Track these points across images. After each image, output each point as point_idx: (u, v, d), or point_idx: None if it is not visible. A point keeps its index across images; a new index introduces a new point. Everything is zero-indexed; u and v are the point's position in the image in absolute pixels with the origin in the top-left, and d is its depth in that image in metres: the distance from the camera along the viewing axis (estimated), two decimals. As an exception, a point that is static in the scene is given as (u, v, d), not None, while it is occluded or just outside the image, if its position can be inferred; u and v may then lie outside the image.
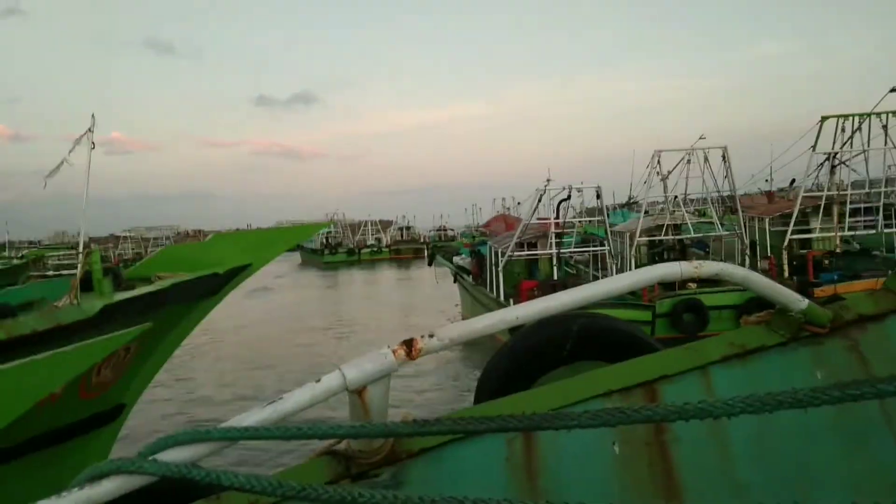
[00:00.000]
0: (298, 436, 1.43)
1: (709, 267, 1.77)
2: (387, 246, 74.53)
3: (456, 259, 30.79)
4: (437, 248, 43.17)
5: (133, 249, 67.73)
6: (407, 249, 72.42)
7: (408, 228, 79.80)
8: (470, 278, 26.91)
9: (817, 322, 1.79)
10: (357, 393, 1.55)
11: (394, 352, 1.57)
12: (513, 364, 2.48)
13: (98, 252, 9.03)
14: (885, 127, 21.69)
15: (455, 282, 30.05)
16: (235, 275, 9.43)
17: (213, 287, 9.23)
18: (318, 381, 1.54)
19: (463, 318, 28.24)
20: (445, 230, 78.05)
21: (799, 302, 1.76)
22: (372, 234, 77.77)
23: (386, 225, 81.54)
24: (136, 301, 7.77)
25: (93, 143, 8.63)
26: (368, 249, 73.19)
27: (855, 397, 1.02)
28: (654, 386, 1.77)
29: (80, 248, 9.24)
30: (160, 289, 8.16)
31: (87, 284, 8.15)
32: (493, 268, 22.51)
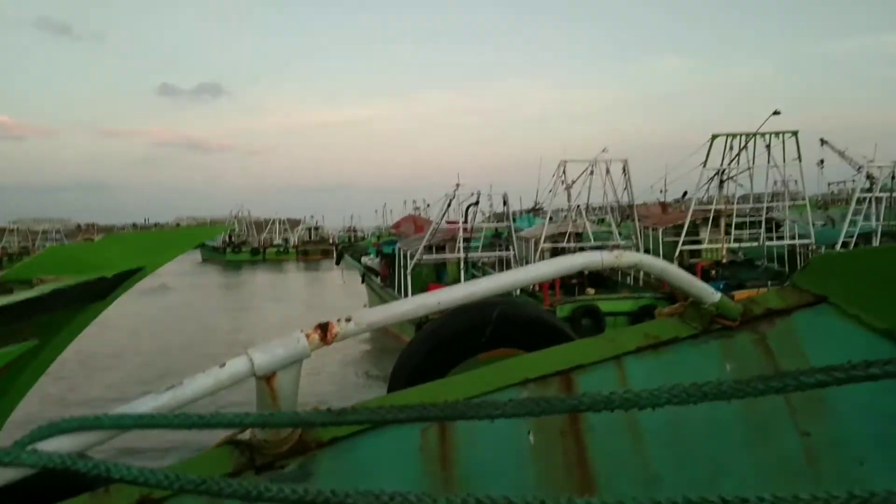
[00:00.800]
0: (199, 424, 1.32)
1: (629, 257, 1.80)
2: (294, 246, 72.96)
3: (364, 259, 30.73)
4: (346, 247, 42.89)
5: (20, 243, 63.29)
6: (315, 250, 71.13)
7: (316, 228, 78.52)
8: (378, 279, 26.96)
9: (728, 315, 1.83)
10: (265, 379, 1.46)
11: (307, 336, 1.49)
12: (429, 351, 2.43)
13: None
14: (768, 146, 23.54)
15: (363, 282, 29.98)
16: (126, 279, 9.22)
17: (99, 292, 8.91)
18: (223, 365, 1.45)
19: (370, 320, 28.41)
20: (355, 231, 77.42)
21: (712, 295, 1.81)
22: (279, 234, 75.96)
23: (294, 224, 79.79)
24: (12, 309, 7.36)
25: None
26: (274, 249, 71.36)
27: (763, 391, 1.05)
28: (570, 375, 1.78)
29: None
30: (40, 295, 7.80)
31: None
32: (402, 270, 22.69)
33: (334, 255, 45.79)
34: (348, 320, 1.55)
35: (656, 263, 1.81)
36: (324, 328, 1.51)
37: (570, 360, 1.79)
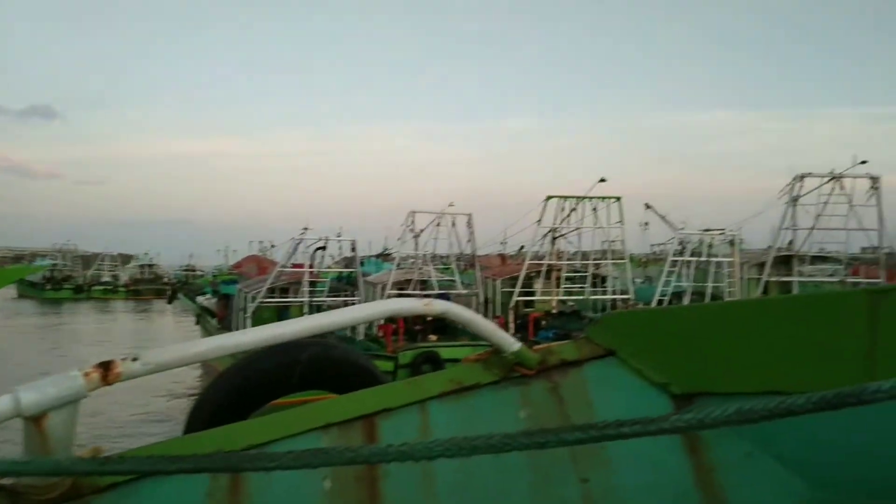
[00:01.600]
0: None
1: (437, 305, 1.83)
2: (125, 284, 67.83)
3: (200, 299, 29.37)
4: (181, 286, 40.68)
5: None
6: (148, 289, 66.30)
7: (150, 265, 73.53)
8: (215, 321, 25.90)
9: (526, 364, 1.91)
10: (34, 420, 1.32)
11: (85, 375, 1.36)
12: (232, 391, 2.32)
13: None
14: (594, 210, 25.87)
15: (197, 323, 28.61)
16: None
17: None
18: None
19: (203, 364, 27.07)
20: (194, 270, 73.09)
21: (512, 344, 1.89)
22: (108, 270, 70.25)
23: (126, 259, 74.35)
24: None
25: None
26: (101, 287, 65.85)
27: (541, 444, 1.08)
28: (374, 419, 1.78)
29: None
30: None
31: None
32: (242, 312, 22.04)
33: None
34: (135, 359, 1.42)
35: (463, 313, 1.86)
36: (106, 367, 1.39)
37: (375, 405, 1.80)
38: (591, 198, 25.71)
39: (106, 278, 68.58)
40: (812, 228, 24.94)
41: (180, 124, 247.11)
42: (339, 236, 23.51)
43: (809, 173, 24.87)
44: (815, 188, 24.76)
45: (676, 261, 25.29)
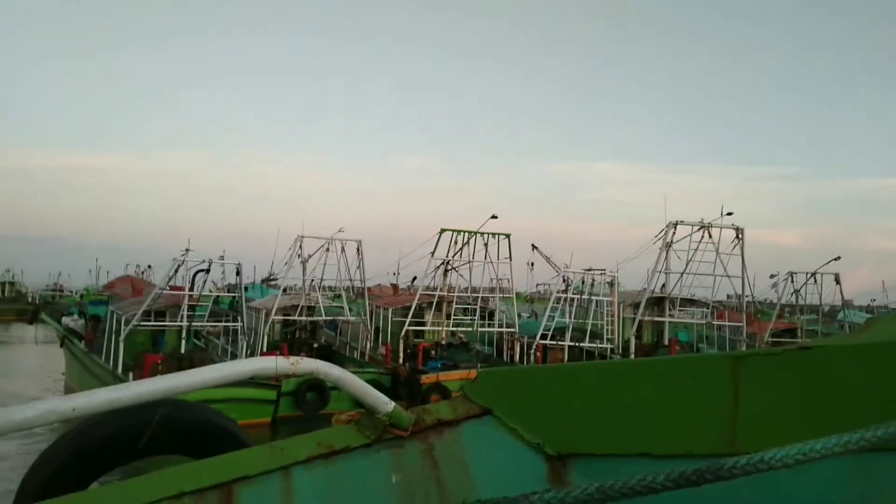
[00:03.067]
0: None
1: (305, 364, 1.69)
2: (-20, 304, 61.97)
3: (66, 320, 27.34)
4: (43, 305, 37.71)
5: None
6: (7, 309, 60.87)
7: (11, 284, 67.63)
8: (82, 343, 24.19)
9: (400, 425, 1.82)
10: None
11: None
12: (71, 457, 2.08)
13: None
14: (486, 244, 26.52)
15: (62, 345, 26.59)
16: None
17: None
18: None
19: (66, 390, 25.16)
20: (62, 290, 68.10)
21: (386, 405, 1.80)
22: (-38, 288, 64.08)
23: (-16, 277, 68.15)
24: None
25: None
26: (-47, 307, 59.86)
27: None
28: (232, 487, 1.63)
29: None
30: None
31: None
32: (114, 336, 20.71)
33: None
34: None
35: (332, 371, 1.73)
36: None
37: (234, 472, 1.65)
38: (483, 233, 26.34)
39: (-42, 297, 62.48)
40: (683, 273, 26.74)
41: (54, 136, 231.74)
42: (222, 259, 22.64)
43: (681, 221, 26.74)
44: (687, 235, 26.68)
45: (560, 297, 26.29)
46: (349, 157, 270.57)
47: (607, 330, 25.72)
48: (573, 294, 27.12)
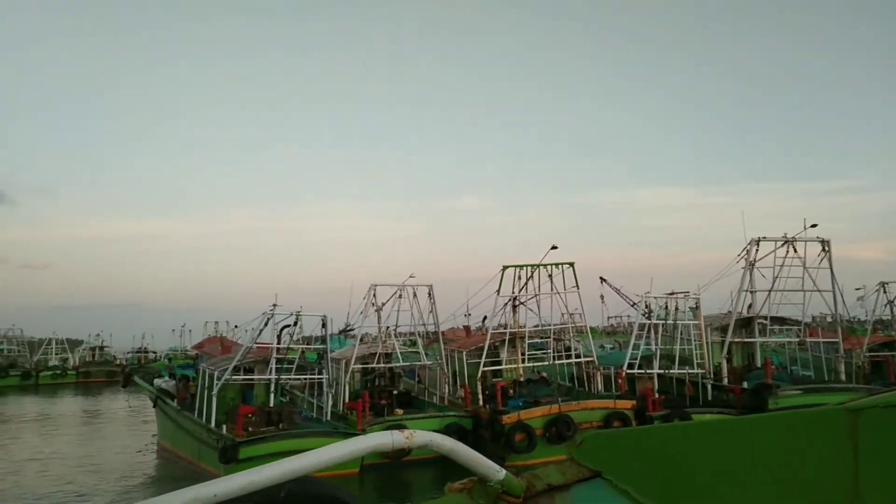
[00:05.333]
0: None
1: (420, 437, 1.78)
2: (74, 368, 65.05)
3: (157, 381, 28.42)
4: (135, 369, 39.26)
5: None
6: (99, 372, 63.76)
7: (101, 348, 70.66)
8: (174, 402, 25.03)
9: (513, 492, 1.84)
10: None
11: None
12: None
13: None
14: (550, 276, 26.20)
15: (155, 406, 27.58)
16: None
17: None
18: None
19: (159, 447, 26.02)
20: (147, 352, 70.84)
21: (497, 473, 1.83)
22: (56, 354, 67.45)
23: (75, 344, 71.42)
24: None
25: None
26: (50, 372, 63.03)
27: None
28: None
29: None
30: None
31: None
32: (207, 391, 21.36)
33: (121, 378, 41.69)
34: None
35: (445, 442, 1.80)
36: None
37: None
38: (545, 265, 26.08)
39: (54, 363, 65.74)
40: (770, 290, 25.69)
41: (125, 207, 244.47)
42: (309, 315, 23.12)
43: (764, 237, 25.83)
44: (771, 252, 25.69)
45: (644, 325, 25.62)
46: (407, 203, 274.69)
47: (696, 355, 24.86)
48: (656, 320, 26.31)
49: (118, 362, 66.05)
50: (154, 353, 70.30)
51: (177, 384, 26.44)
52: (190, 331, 63.46)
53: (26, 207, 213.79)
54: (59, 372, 63.03)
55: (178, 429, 23.96)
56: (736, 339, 26.19)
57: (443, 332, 28.51)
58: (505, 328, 26.75)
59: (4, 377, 59.81)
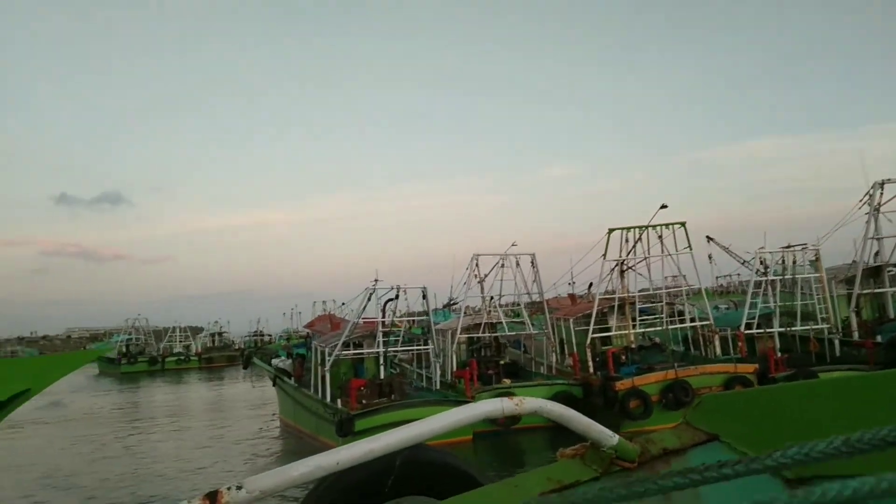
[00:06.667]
0: None
1: (529, 404, 1.79)
2: (196, 354, 69.29)
3: (275, 361, 29.73)
4: (254, 351, 41.33)
5: None
6: (219, 356, 67.68)
7: (220, 334, 74.85)
8: (291, 380, 26.09)
9: (627, 457, 1.83)
10: None
11: None
12: (333, 498, 2.23)
13: None
14: (660, 237, 25.14)
15: (274, 385, 28.87)
16: (14, 400, 9.48)
17: None
18: None
19: (281, 423, 27.21)
20: (262, 335, 74.47)
21: (610, 438, 1.82)
22: (180, 342, 72.11)
23: (196, 331, 76.00)
24: None
25: None
26: (175, 358, 67.46)
27: None
28: None
29: None
30: None
31: None
32: (320, 367, 22.10)
33: (241, 361, 44.02)
34: (239, 488, 1.47)
35: (555, 408, 1.79)
36: (212, 498, 1.43)
37: None
38: (654, 226, 25.08)
39: (178, 349, 70.31)
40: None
41: (232, 200, 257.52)
42: (407, 287, 23.48)
43: (889, 179, 23.81)
44: (896, 195, 23.67)
45: (760, 282, 24.27)
46: (500, 176, 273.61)
47: (820, 309, 23.33)
48: (773, 276, 24.81)
49: (236, 346, 69.89)
50: (269, 335, 73.78)
51: (293, 363, 27.52)
52: (300, 312, 66.03)
53: (143, 207, 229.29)
54: (182, 358, 67.38)
55: (297, 405, 24.96)
56: (864, 291, 24.37)
57: (547, 301, 28.16)
58: (612, 294, 26.06)
59: (134, 363, 64.58)
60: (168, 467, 20.95)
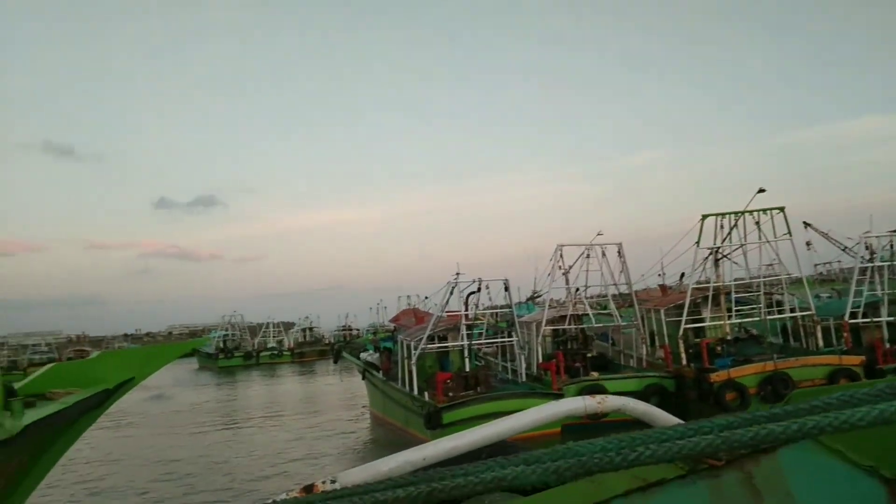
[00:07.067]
0: None
1: (612, 401, 1.80)
2: (289, 349, 71.71)
3: (363, 355, 30.29)
4: (343, 346, 42.32)
5: (8, 357, 62.17)
6: (310, 351, 69.85)
7: (310, 329, 77.29)
8: (380, 374, 26.48)
9: (714, 455, 1.80)
10: None
11: (290, 494, 1.52)
12: None
13: None
14: (757, 223, 23.86)
15: (363, 378, 29.41)
16: (120, 388, 10.05)
17: (102, 401, 9.72)
18: None
19: (371, 415, 27.69)
20: (350, 329, 76.29)
21: None
22: (273, 337, 74.86)
23: (288, 327, 78.71)
24: (50, 418, 8.05)
25: None
26: (268, 353, 70.08)
27: None
28: None
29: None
30: (66, 406, 8.51)
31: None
32: (406, 361, 22.32)
33: (331, 355, 45.23)
34: (333, 481, 1.59)
35: (639, 406, 1.83)
36: (308, 490, 1.53)
37: None
38: (751, 211, 23.85)
39: (272, 344, 72.96)
40: None
41: (320, 198, 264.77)
42: (488, 280, 23.33)
43: None
44: None
45: (866, 268, 22.71)
46: (581, 165, 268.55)
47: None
48: (880, 262, 23.12)
49: (326, 341, 72.01)
50: (357, 329, 75.42)
51: (380, 356, 27.95)
52: (385, 307, 67.13)
53: (235, 208, 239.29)
54: (276, 353, 69.94)
55: (385, 398, 25.33)
56: None
57: (636, 293, 27.35)
58: (706, 283, 25.00)
59: (231, 357, 67.73)
60: (264, 459, 21.74)
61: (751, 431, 1.34)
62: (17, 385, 10.01)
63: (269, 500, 1.55)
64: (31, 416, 7.98)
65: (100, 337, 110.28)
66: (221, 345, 70.34)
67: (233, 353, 69.16)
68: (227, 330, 73.58)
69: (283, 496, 1.51)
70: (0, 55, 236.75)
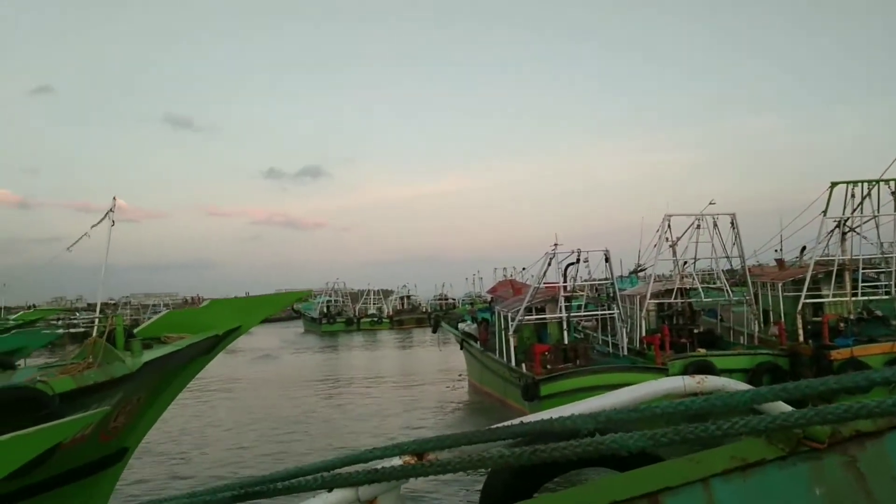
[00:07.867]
0: None
1: (711, 382, 1.81)
2: (388, 316, 73.47)
3: (461, 326, 30.32)
4: (442, 315, 42.65)
5: (131, 316, 67.20)
6: (409, 319, 71.18)
7: (408, 297, 78.83)
8: (477, 344, 26.37)
9: (816, 438, 1.78)
10: None
11: (404, 462, 1.60)
12: (519, 471, 2.35)
13: (121, 315, 10.64)
14: (894, 193, 21.62)
15: (462, 348, 29.43)
16: (228, 335, 10.47)
17: (212, 346, 10.26)
18: (331, 491, 1.60)
19: (469, 384, 27.71)
20: (446, 298, 77.25)
21: None
22: (373, 304, 76.87)
23: (387, 294, 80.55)
24: (165, 358, 8.63)
25: (112, 220, 10.32)
26: (369, 319, 72.07)
27: None
28: (658, 497, 1.75)
29: (98, 312, 12.39)
30: (180, 348, 9.02)
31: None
32: (503, 332, 22.02)
33: (428, 323, 45.74)
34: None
35: (739, 387, 1.77)
36: (420, 456, 1.61)
37: (658, 483, 1.77)
38: (888, 180, 21.63)
39: (372, 311, 74.96)
40: None
41: (418, 168, 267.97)
42: (588, 250, 22.46)
43: None
44: None
45: None
46: (685, 131, 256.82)
47: None
48: None
49: (423, 309, 73.23)
50: (452, 299, 76.13)
51: (478, 327, 27.84)
52: (481, 278, 67.19)
53: (338, 178, 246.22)
54: (376, 319, 71.90)
55: (484, 368, 25.22)
56: None
57: (749, 269, 25.65)
58: (831, 258, 23.02)
59: (333, 323, 70.39)
60: (369, 423, 22.24)
61: (862, 411, 1.26)
62: (136, 329, 10.73)
63: (379, 466, 1.59)
64: (149, 355, 8.52)
65: (211, 298, 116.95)
66: (325, 310, 72.95)
67: (335, 318, 71.59)
68: (330, 296, 76.14)
69: (396, 459, 1.59)
70: (126, 31, 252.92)
